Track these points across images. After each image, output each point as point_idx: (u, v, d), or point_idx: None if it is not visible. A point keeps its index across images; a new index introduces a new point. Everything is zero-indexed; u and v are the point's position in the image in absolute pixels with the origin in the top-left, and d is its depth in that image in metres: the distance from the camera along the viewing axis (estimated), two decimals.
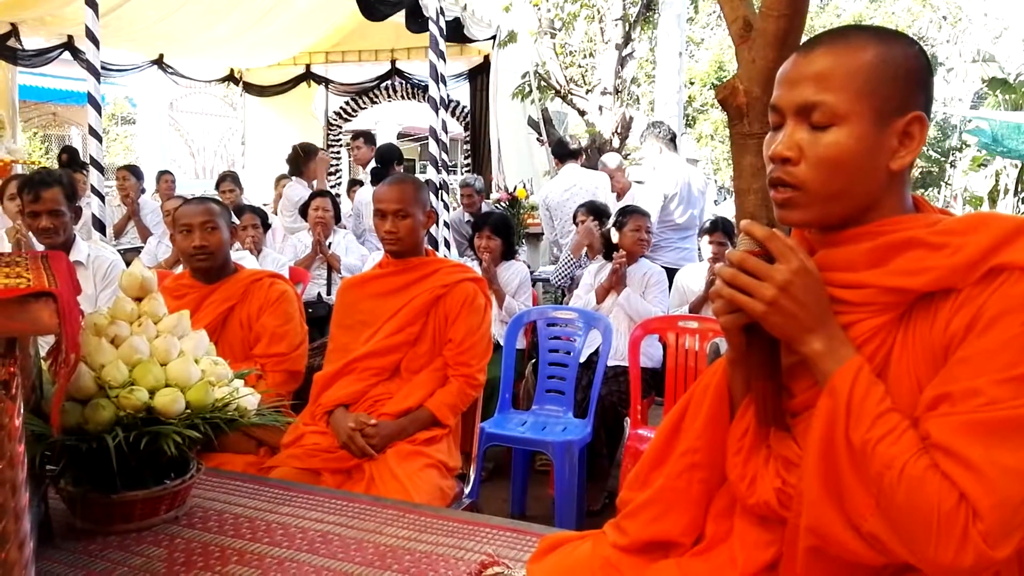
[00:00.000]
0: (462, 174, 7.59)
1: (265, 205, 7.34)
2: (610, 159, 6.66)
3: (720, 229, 4.42)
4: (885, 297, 1.11)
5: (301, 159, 6.76)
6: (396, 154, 6.74)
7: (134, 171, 7.18)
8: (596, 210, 4.99)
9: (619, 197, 6.26)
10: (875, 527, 1.03)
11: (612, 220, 4.49)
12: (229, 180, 6.95)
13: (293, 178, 6.87)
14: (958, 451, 0.99)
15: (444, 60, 6.21)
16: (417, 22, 6.59)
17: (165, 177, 8.04)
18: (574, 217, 5.06)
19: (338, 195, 7.67)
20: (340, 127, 11.16)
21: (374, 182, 6.41)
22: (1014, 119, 11.52)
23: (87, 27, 5.37)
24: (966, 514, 0.97)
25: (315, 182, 6.80)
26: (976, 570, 0.98)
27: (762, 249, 1.13)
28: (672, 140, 5.77)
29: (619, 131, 9.62)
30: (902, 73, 1.13)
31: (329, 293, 5.32)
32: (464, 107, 9.77)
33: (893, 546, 1.02)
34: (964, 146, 15.54)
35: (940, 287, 1.07)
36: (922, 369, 1.08)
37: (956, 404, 1.01)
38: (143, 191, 7.20)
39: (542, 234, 7.08)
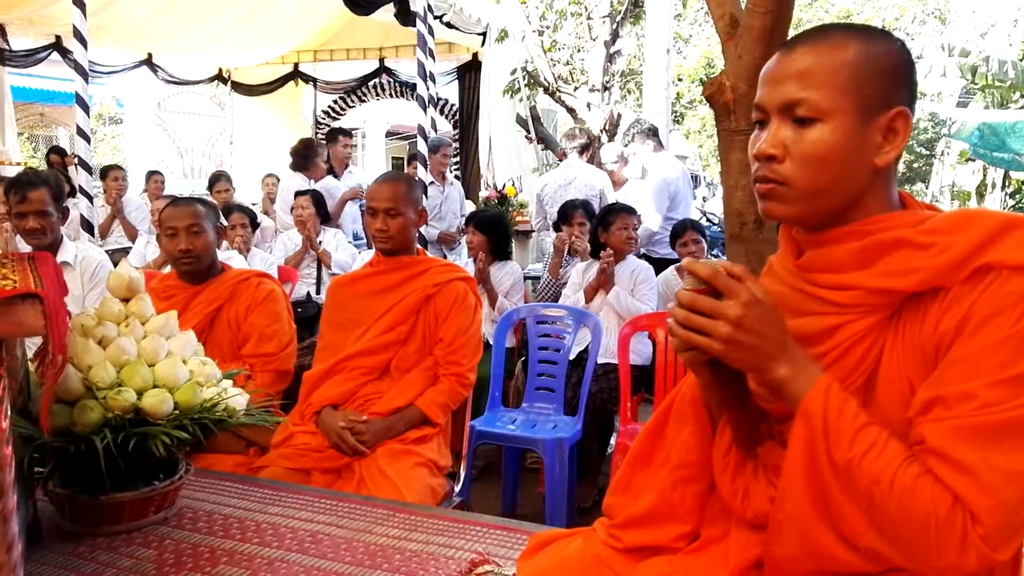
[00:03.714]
0: (451, 171, 7.57)
1: (254, 204, 7.32)
2: (607, 152, 6.63)
3: (689, 228, 4.45)
4: (873, 298, 1.11)
5: (308, 155, 6.71)
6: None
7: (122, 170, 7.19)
8: (590, 212, 4.92)
9: (615, 188, 6.19)
10: (872, 542, 1.03)
11: (598, 219, 4.47)
12: (224, 180, 6.96)
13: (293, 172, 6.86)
14: (953, 455, 0.99)
15: (433, 58, 6.20)
16: (407, 16, 6.55)
17: (155, 177, 8.02)
18: (565, 215, 4.97)
19: None
20: (328, 126, 11.12)
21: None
22: (999, 119, 11.56)
23: (75, 27, 5.35)
24: (963, 517, 0.97)
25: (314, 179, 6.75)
26: (981, 571, 0.98)
27: (708, 286, 1.11)
28: (657, 136, 5.78)
29: (607, 128, 9.63)
30: (884, 69, 1.13)
31: (319, 292, 5.31)
32: (453, 105, 9.76)
33: (894, 558, 1.02)
34: (948, 148, 15.63)
35: (928, 287, 1.07)
36: (913, 369, 1.08)
37: (950, 408, 1.01)
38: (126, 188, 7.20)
39: (531, 231, 7.06)
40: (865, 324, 1.12)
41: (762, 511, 1.18)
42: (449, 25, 7.59)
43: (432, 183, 6.53)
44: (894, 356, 1.10)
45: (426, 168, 6.10)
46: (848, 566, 1.07)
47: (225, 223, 4.12)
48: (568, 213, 4.90)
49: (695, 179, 23.76)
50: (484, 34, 8.60)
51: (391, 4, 6.61)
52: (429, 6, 6.02)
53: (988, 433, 0.98)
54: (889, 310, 1.11)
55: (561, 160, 6.40)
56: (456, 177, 7.46)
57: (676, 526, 1.29)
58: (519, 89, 9.09)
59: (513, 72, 9.07)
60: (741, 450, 1.21)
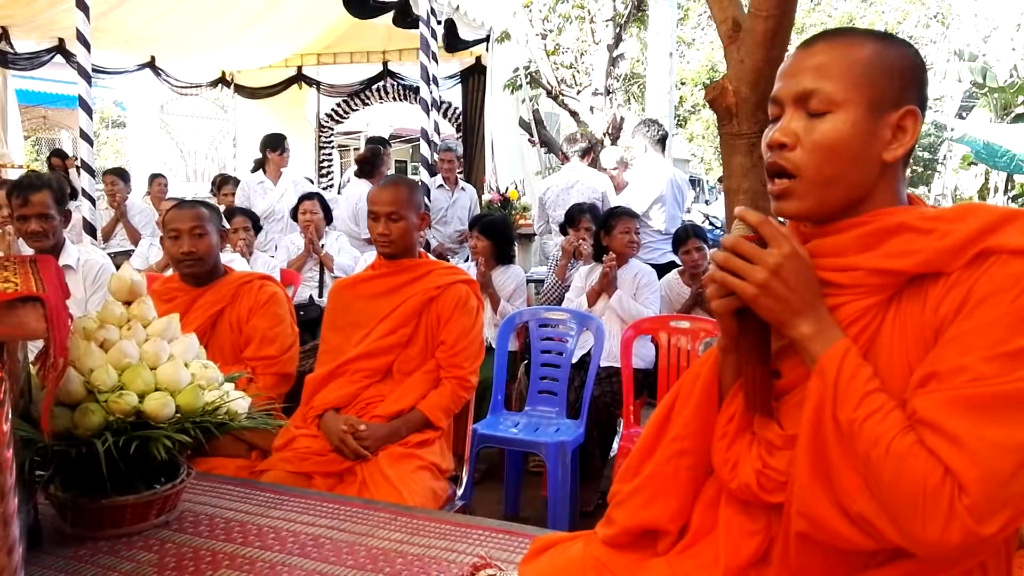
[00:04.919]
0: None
1: None
2: (607, 156, 6.63)
3: (692, 235, 4.45)
4: (873, 279, 1.13)
5: (375, 162, 6.65)
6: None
7: (121, 174, 7.20)
8: (596, 216, 4.90)
9: (616, 192, 6.17)
10: (863, 507, 1.04)
11: (600, 223, 4.47)
12: (231, 183, 6.98)
13: (355, 178, 6.82)
14: (944, 426, 1.00)
15: (436, 61, 6.20)
16: (406, 20, 6.54)
17: (158, 180, 8.04)
18: (572, 218, 4.97)
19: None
20: (332, 129, 11.15)
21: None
22: (996, 137, 11.61)
23: (78, 30, 5.36)
24: (952, 489, 0.98)
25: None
26: (964, 548, 0.98)
27: (755, 234, 1.15)
28: (661, 141, 5.72)
29: (610, 132, 9.63)
30: (897, 68, 1.17)
31: (321, 295, 5.31)
32: (456, 108, 9.78)
33: (881, 526, 1.03)
34: (950, 152, 15.65)
35: (928, 270, 1.09)
36: (913, 351, 1.09)
37: (943, 381, 1.02)
38: (129, 192, 7.21)
39: (534, 235, 7.07)
40: (862, 305, 1.14)
41: (745, 483, 1.19)
42: (454, 39, 7.59)
43: (440, 186, 6.54)
44: (893, 339, 1.11)
45: (429, 170, 6.10)
46: (834, 532, 1.08)
47: (228, 226, 4.13)
48: (575, 217, 4.92)
49: (697, 183, 23.80)
50: (487, 38, 8.61)
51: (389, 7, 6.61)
52: (432, 10, 6.02)
53: (979, 405, 0.99)
54: (888, 292, 1.13)
55: (563, 163, 6.40)
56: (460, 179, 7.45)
57: (666, 500, 1.30)
58: (520, 86, 9.08)
59: (516, 70, 9.07)
60: (752, 412, 1.22)
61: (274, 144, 6.82)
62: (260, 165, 6.96)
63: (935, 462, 0.99)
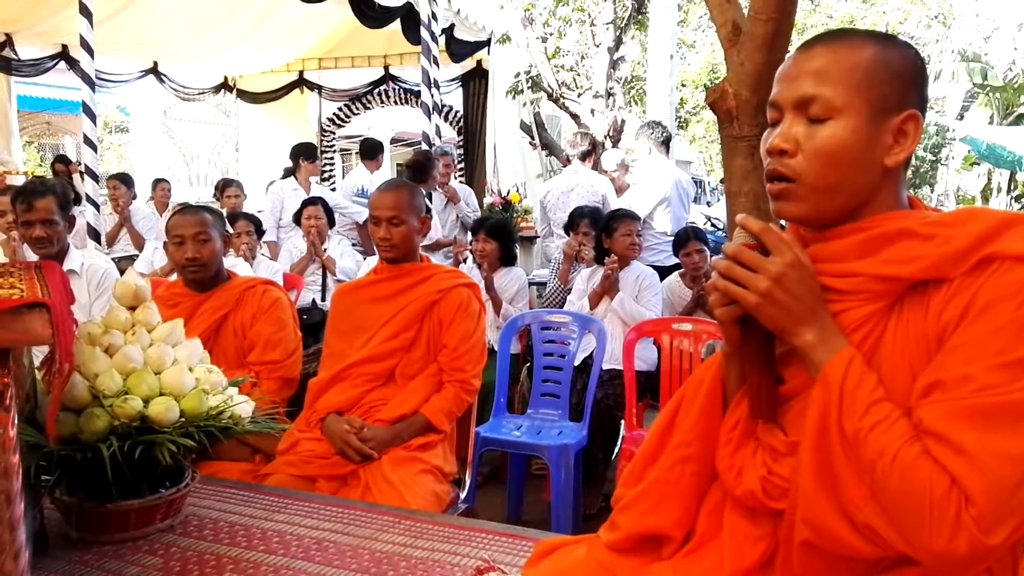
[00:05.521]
0: (455, 178, 7.53)
1: (260, 212, 7.36)
2: (608, 159, 6.63)
3: (693, 237, 4.44)
4: (875, 285, 1.13)
5: (428, 167, 6.64)
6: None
7: (124, 179, 7.23)
8: (596, 220, 4.90)
9: (618, 195, 6.17)
10: (869, 516, 1.04)
11: (601, 225, 4.46)
12: (234, 186, 7.03)
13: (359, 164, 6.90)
14: (949, 436, 0.99)
15: (437, 65, 6.21)
16: (413, 32, 6.57)
17: (161, 185, 8.06)
18: (572, 223, 4.97)
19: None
20: (334, 133, 11.17)
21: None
22: (999, 139, 11.63)
23: (81, 36, 5.38)
24: (958, 499, 0.98)
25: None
26: (971, 557, 0.98)
27: (757, 242, 1.15)
28: (665, 143, 5.72)
29: (611, 134, 9.63)
30: (898, 72, 1.15)
31: (324, 299, 5.32)
32: (458, 112, 9.79)
33: (888, 535, 1.03)
34: (952, 153, 15.65)
35: (930, 276, 1.08)
36: (916, 358, 1.09)
37: (948, 390, 1.02)
38: (134, 197, 7.23)
39: (536, 237, 7.07)
40: (865, 312, 1.13)
41: (750, 490, 1.19)
42: (454, 47, 7.62)
43: (435, 190, 6.54)
44: (896, 344, 1.11)
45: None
46: (839, 541, 1.08)
47: (231, 230, 4.14)
48: (575, 221, 4.91)
49: (699, 184, 23.75)
50: (488, 41, 8.62)
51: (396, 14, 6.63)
52: (433, 14, 6.04)
53: (985, 415, 0.99)
54: (890, 299, 1.12)
55: (565, 166, 6.40)
56: (461, 182, 7.46)
57: (670, 506, 1.29)
58: (522, 90, 9.09)
59: (516, 75, 9.08)
60: (757, 419, 1.22)
61: (308, 153, 6.97)
62: (291, 172, 7.03)
63: (941, 472, 0.99)
